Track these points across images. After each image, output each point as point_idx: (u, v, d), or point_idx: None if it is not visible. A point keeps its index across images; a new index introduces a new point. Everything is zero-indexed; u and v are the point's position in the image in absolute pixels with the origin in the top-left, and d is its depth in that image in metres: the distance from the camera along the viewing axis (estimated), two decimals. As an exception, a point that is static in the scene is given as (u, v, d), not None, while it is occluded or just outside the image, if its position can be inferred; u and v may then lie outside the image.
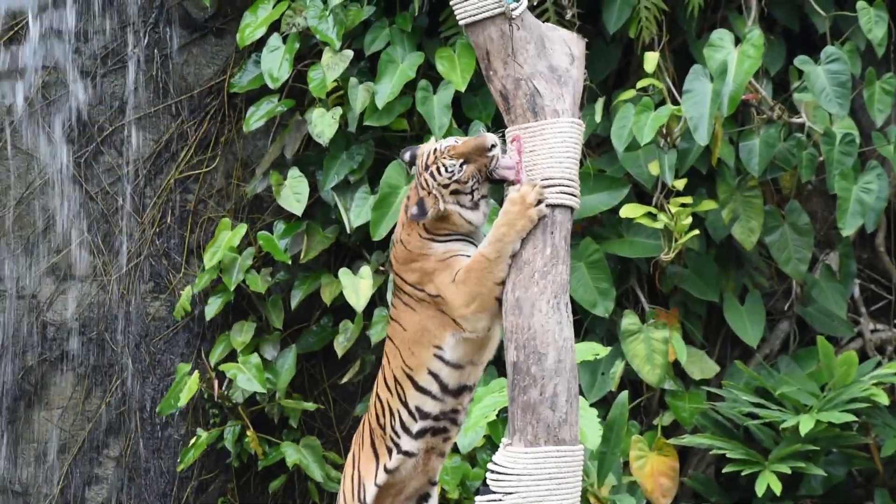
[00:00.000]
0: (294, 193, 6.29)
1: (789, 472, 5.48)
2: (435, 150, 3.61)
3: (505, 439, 3.56)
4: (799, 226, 6.12)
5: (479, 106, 6.18)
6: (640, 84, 5.86)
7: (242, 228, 6.39)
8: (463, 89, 5.96)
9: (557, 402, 3.46)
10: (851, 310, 6.43)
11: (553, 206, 3.50)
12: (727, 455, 5.62)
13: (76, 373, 6.72)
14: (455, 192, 3.57)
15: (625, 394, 5.21)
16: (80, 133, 6.66)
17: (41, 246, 6.68)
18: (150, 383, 6.72)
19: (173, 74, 6.72)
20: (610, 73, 6.37)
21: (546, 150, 3.51)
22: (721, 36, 5.71)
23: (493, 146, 3.56)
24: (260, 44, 6.39)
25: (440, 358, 3.67)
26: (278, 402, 6.45)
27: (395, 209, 6.00)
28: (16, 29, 6.62)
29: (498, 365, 3.94)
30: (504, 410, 4.01)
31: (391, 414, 3.79)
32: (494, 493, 3.49)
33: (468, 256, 3.59)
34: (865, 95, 5.90)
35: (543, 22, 3.69)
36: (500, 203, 3.58)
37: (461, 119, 6.17)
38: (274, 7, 6.37)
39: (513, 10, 3.46)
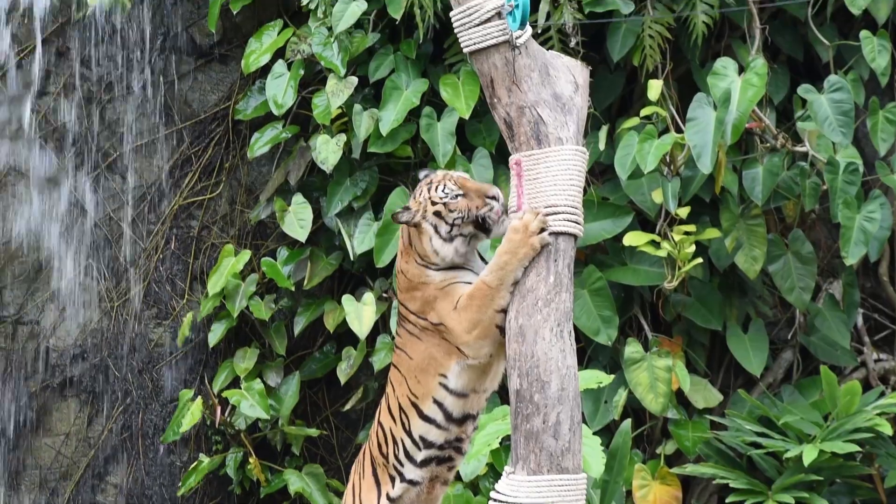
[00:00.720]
0: (298, 220, 6.29)
1: (793, 502, 5.46)
2: (448, 174, 3.63)
3: (508, 467, 3.55)
4: (802, 254, 6.11)
5: (482, 133, 6.19)
6: (643, 112, 5.87)
7: (246, 255, 6.39)
8: (467, 116, 5.98)
9: (560, 431, 3.45)
10: (855, 339, 6.41)
11: (556, 234, 3.49)
12: (730, 484, 5.60)
13: (79, 399, 6.71)
14: (437, 214, 3.58)
15: (628, 422, 5.19)
16: (85, 158, 6.67)
17: (44, 271, 6.68)
18: (153, 409, 6.72)
19: (178, 100, 6.74)
20: (614, 101, 6.37)
21: (549, 177, 3.51)
22: (725, 64, 5.72)
23: (494, 197, 3.56)
24: (265, 70, 6.42)
25: (444, 386, 3.66)
26: (281, 429, 6.44)
27: (398, 236, 5.99)
28: (25, 51, 6.65)
29: (501, 392, 3.92)
30: (507, 438, 4.00)
31: (394, 442, 3.77)
32: (497, 521, 3.47)
33: (468, 283, 3.59)
34: (869, 124, 5.91)
35: (547, 50, 3.69)
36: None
37: (465, 146, 6.18)
38: (279, 34, 6.40)
39: (517, 37, 3.47)
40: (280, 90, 6.29)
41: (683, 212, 5.79)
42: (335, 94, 6.14)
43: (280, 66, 6.35)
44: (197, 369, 6.72)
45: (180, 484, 6.44)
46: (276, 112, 6.28)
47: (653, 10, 5.97)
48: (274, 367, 6.52)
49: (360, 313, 6.11)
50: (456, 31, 3.55)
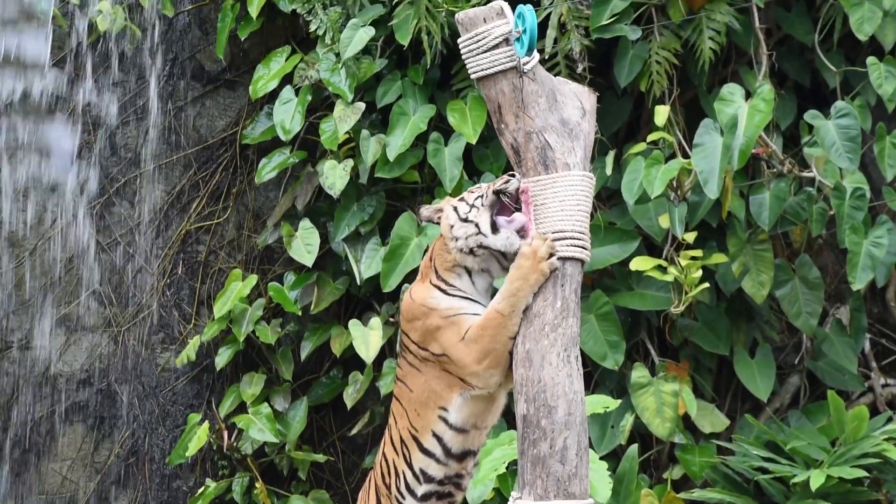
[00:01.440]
0: (305, 245, 6.30)
1: (800, 527, 5.45)
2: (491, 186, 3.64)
3: (514, 493, 3.54)
4: (809, 280, 6.11)
5: (490, 158, 6.20)
6: (650, 137, 5.87)
7: (253, 279, 6.40)
8: (474, 142, 5.98)
9: (567, 456, 3.44)
10: (862, 364, 6.40)
11: (564, 259, 3.50)
12: (738, 510, 5.59)
13: (85, 424, 6.71)
14: (461, 199, 3.63)
15: (634, 447, 5.19)
16: (93, 184, 6.69)
17: (51, 296, 6.69)
18: (160, 434, 6.71)
19: (186, 126, 6.76)
20: (621, 127, 6.39)
21: (557, 203, 3.52)
22: (732, 90, 5.73)
23: (513, 176, 3.56)
24: (272, 96, 6.44)
25: (444, 420, 3.65)
26: (287, 454, 6.43)
27: (405, 260, 6.01)
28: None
29: (507, 417, 3.92)
30: (513, 463, 3.99)
31: (397, 475, 3.77)
32: (504, 547, 3.47)
33: (474, 315, 3.59)
34: (876, 150, 5.91)
35: (555, 76, 3.71)
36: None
37: (472, 171, 6.19)
38: (287, 60, 6.42)
39: (525, 63, 3.48)
40: (288, 116, 6.31)
41: (690, 237, 5.79)
42: (343, 119, 6.15)
43: (288, 91, 6.37)
44: (203, 394, 6.72)
45: (187, 507, 6.45)
46: (283, 137, 6.30)
47: (660, 36, 5.99)
48: (281, 391, 6.52)
49: (366, 338, 6.11)
50: (464, 57, 3.56)
